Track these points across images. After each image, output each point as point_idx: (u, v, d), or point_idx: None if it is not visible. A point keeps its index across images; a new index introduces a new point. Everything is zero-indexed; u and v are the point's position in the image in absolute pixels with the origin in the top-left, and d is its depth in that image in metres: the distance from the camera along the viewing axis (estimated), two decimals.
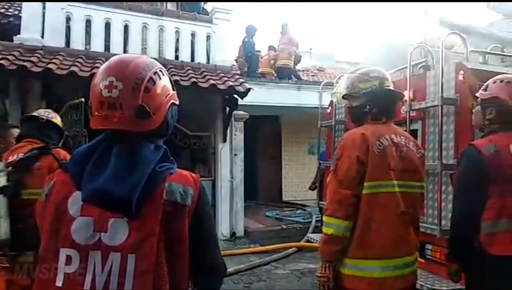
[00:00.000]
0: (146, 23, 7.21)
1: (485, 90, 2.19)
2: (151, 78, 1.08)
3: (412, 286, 2.03)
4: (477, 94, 2.26)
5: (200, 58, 7.60)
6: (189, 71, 6.88)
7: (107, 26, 7.03)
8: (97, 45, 6.95)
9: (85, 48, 6.89)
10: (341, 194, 1.92)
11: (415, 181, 2.04)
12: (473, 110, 2.83)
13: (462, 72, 3.17)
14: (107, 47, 7.05)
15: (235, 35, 10.26)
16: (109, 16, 6.96)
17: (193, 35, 7.62)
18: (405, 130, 3.56)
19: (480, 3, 4.26)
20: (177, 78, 6.33)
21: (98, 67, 5.91)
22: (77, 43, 6.82)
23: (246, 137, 8.22)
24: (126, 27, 7.12)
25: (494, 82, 2.17)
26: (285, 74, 9.78)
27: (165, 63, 7.07)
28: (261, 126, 11.29)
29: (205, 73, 6.93)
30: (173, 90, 1.17)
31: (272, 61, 10.01)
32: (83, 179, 1.00)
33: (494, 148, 1.99)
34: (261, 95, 8.84)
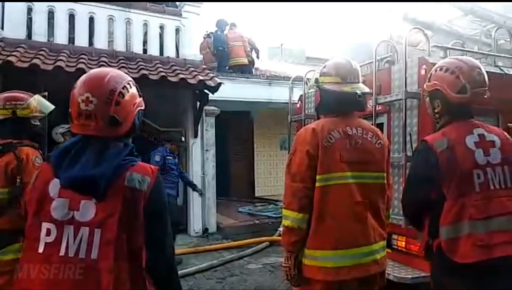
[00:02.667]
0: (112, 15, 7.00)
1: (429, 80, 2.04)
2: (120, 92, 1.35)
3: (376, 275, 2.04)
4: (424, 86, 2.12)
5: (169, 52, 7.46)
6: (158, 65, 6.74)
7: (71, 17, 6.78)
8: (61, 37, 6.69)
9: (48, 41, 6.63)
10: (294, 188, 1.99)
11: (373, 172, 2.07)
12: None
13: (424, 66, 3.27)
14: (71, 39, 6.80)
15: (203, 29, 10.11)
16: (73, 7, 6.72)
17: (161, 28, 7.47)
18: (372, 124, 3.66)
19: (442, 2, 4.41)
20: (146, 72, 6.19)
21: (62, 60, 5.69)
22: (39, 35, 6.55)
23: (217, 132, 8.16)
24: (91, 19, 6.90)
25: (435, 71, 2.01)
26: (241, 71, 9.54)
27: (133, 56, 6.93)
28: (233, 122, 11.23)
29: (175, 67, 6.82)
30: (140, 96, 1.44)
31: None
32: (61, 169, 1.27)
33: (447, 143, 1.85)
34: (233, 90, 8.79)
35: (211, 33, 10.06)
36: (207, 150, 7.71)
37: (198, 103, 7.23)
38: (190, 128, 7.50)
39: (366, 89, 2.14)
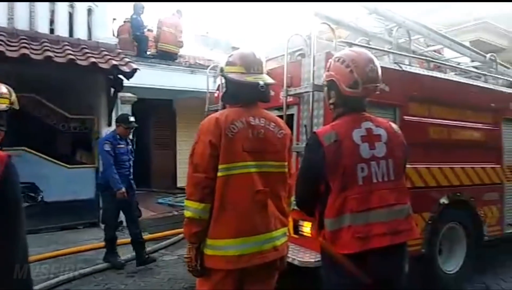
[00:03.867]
0: None
1: (328, 69, 2.05)
2: None
3: (275, 261, 2.08)
4: (324, 75, 2.13)
5: (80, 34, 6.93)
6: (66, 47, 6.21)
7: None
8: None
9: None
10: (196, 178, 1.97)
11: (275, 161, 2.11)
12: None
13: (330, 60, 3.40)
14: None
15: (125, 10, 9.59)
16: None
17: (72, 7, 6.88)
18: (281, 115, 3.74)
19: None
20: (51, 54, 5.66)
21: None
22: None
23: (136, 121, 7.77)
24: None
25: (334, 61, 2.02)
26: (168, 59, 9.31)
27: (36, 36, 6.30)
28: (154, 111, 10.85)
29: (85, 50, 6.34)
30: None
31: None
32: None
33: (335, 137, 1.87)
34: (153, 78, 8.46)
35: (132, 17, 9.56)
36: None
37: (112, 90, 6.82)
38: (104, 116, 7.06)
39: (270, 80, 2.16)
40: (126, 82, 6.82)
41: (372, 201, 1.85)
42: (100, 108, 7.09)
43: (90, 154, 7.30)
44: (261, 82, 2.08)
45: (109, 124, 7.10)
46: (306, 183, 2.02)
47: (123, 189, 4.77)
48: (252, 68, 2.11)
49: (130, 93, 7.36)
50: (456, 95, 4.34)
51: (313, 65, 3.42)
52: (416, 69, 4.14)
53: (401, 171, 2.00)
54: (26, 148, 6.32)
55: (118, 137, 5.00)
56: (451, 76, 4.77)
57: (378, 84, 1.98)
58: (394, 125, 2.09)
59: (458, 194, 4.17)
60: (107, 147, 4.84)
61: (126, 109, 7.45)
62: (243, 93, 2.12)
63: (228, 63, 2.17)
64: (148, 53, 9.70)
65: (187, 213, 1.99)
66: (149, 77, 8.24)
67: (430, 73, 4.24)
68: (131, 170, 5.17)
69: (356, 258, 1.81)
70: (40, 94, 6.47)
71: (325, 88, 2.11)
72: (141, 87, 7.96)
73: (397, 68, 3.94)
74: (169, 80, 8.82)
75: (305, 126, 3.49)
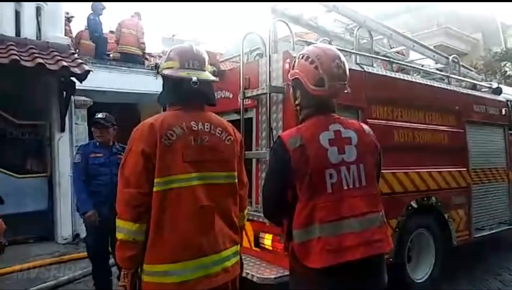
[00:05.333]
0: None
1: (293, 67, 1.87)
2: None
3: (227, 283, 1.82)
4: (288, 74, 1.94)
5: (28, 33, 6.42)
6: (11, 47, 5.73)
7: None
8: None
9: None
10: (128, 194, 1.70)
11: (222, 171, 1.85)
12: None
13: (288, 60, 3.18)
14: None
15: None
16: None
17: (19, 4, 6.38)
18: (237, 119, 3.49)
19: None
20: None
21: None
22: None
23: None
24: None
25: (298, 58, 1.85)
26: (131, 61, 8.92)
27: None
28: (116, 115, 10.35)
29: (32, 51, 5.87)
30: None
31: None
32: None
33: (300, 141, 1.70)
34: (114, 81, 8.03)
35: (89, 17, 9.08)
36: (77, 146, 6.86)
37: (65, 93, 6.36)
38: (56, 121, 6.58)
39: (208, 77, 1.88)
40: (83, 86, 6.39)
41: (343, 210, 1.67)
42: (52, 113, 6.61)
43: (42, 162, 6.80)
44: (194, 78, 1.79)
45: (62, 130, 6.63)
46: (272, 191, 1.82)
47: (91, 212, 3.61)
48: (188, 63, 1.84)
49: (85, 97, 6.91)
50: (420, 97, 4.23)
51: (269, 65, 3.20)
52: (378, 70, 3.99)
53: (373, 176, 1.82)
54: None
55: (96, 144, 3.87)
56: (414, 77, 4.67)
57: (345, 82, 1.79)
58: (365, 126, 1.90)
59: (425, 199, 4.04)
60: (76, 158, 3.86)
61: (81, 113, 7.02)
62: (178, 92, 1.85)
63: (166, 59, 1.91)
64: (110, 56, 9.25)
65: (119, 235, 1.71)
66: (109, 80, 7.81)
67: (393, 74, 4.10)
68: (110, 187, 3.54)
69: (328, 273, 1.63)
70: None
71: (291, 89, 1.94)
72: (100, 90, 7.52)
73: (359, 69, 3.77)
74: (131, 84, 8.39)
75: (271, 129, 3.22)
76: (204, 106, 1.94)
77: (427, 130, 4.24)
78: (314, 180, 1.67)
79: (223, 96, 3.81)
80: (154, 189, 1.68)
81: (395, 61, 4.44)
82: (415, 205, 3.91)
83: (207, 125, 1.85)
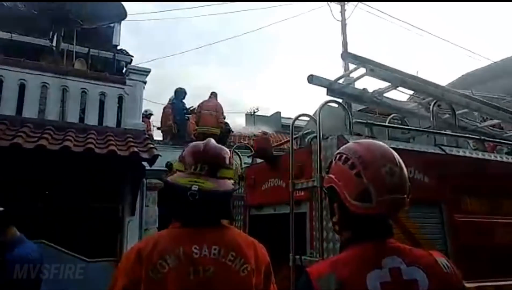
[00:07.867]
0: (46, 82, 6.53)
1: (328, 171, 1.32)
2: None
3: None
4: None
5: (110, 121, 6.91)
6: (90, 136, 6.13)
7: None
8: None
9: None
10: None
11: None
12: None
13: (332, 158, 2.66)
14: None
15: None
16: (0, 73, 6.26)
17: (103, 96, 6.98)
18: (288, 213, 2.98)
19: None
20: (69, 143, 5.55)
21: None
22: None
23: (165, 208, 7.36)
24: (22, 86, 6.40)
25: (335, 159, 1.30)
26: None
27: (63, 126, 6.33)
28: None
29: (109, 138, 6.21)
30: None
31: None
32: None
33: (336, 284, 1.11)
34: None
35: (173, 102, 9.75)
36: (146, 229, 6.85)
37: (135, 177, 6.52)
38: (127, 204, 6.70)
39: (214, 187, 1.45)
40: (157, 166, 6.50)
41: None
42: (124, 196, 6.76)
43: (112, 245, 6.85)
44: (194, 188, 1.39)
45: (132, 213, 6.70)
46: None
47: None
48: (194, 166, 1.47)
49: (156, 179, 7.02)
50: None
51: (319, 152, 2.70)
52: (466, 152, 3.22)
53: None
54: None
55: None
56: None
57: (404, 195, 1.18)
58: (441, 260, 1.20)
59: None
60: None
61: (152, 196, 7.11)
62: (176, 204, 1.47)
63: (179, 158, 1.57)
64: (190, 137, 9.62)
65: None
66: None
67: (485, 155, 3.28)
68: None
69: None
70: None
71: (326, 199, 1.54)
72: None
73: (439, 151, 3.07)
74: None
75: (323, 229, 2.61)
76: (213, 222, 1.50)
77: None
78: None
79: (275, 184, 3.37)
80: None
81: (487, 139, 3.59)
82: None
83: (214, 250, 1.41)
